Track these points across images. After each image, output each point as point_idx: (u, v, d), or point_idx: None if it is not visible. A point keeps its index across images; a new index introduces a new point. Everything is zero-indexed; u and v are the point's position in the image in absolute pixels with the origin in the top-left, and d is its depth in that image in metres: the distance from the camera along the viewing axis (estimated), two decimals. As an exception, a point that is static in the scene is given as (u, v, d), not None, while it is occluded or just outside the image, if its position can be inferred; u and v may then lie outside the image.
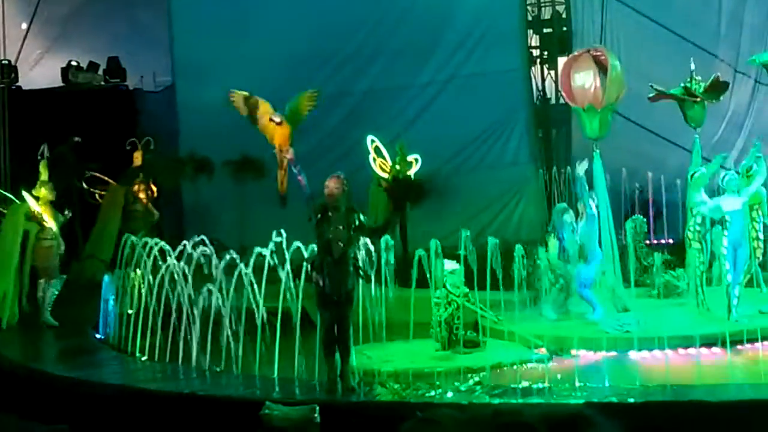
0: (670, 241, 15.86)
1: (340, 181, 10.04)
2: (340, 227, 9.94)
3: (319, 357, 10.66)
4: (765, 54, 13.66)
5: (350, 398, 10.01)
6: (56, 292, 14.06)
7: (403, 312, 12.06)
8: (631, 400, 9.28)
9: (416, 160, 17.43)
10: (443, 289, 11.76)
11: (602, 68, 12.35)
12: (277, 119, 13.26)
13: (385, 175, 17.16)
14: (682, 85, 13.97)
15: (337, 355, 10.09)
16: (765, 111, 19.42)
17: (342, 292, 10.01)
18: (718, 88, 14.04)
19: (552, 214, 14.26)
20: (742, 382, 10.77)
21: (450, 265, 11.91)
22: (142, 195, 16.97)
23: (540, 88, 21.42)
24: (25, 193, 13.80)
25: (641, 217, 15.72)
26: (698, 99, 13.78)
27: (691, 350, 11.71)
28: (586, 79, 12.33)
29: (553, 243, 13.60)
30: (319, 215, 9.90)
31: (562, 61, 17.58)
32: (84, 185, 17.07)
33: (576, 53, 13.06)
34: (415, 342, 11.83)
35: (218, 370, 11.23)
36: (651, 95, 14.31)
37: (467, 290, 11.90)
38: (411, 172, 17.32)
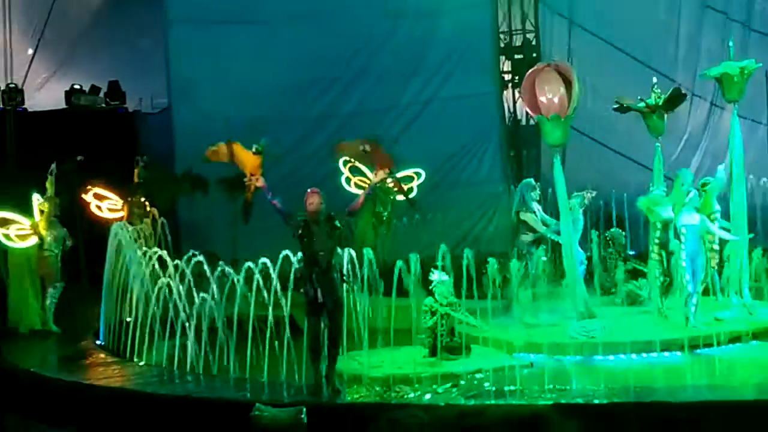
0: (631, 252, 15.91)
1: (320, 196, 10.08)
2: (323, 238, 9.98)
3: (305, 361, 10.67)
4: (716, 68, 13.70)
5: (335, 400, 10.01)
6: (54, 300, 14.07)
7: (385, 319, 12.02)
8: (597, 401, 9.31)
9: (417, 174, 17.32)
10: (430, 297, 11.74)
11: (566, 80, 12.44)
12: (258, 147, 13.23)
13: (361, 192, 17.01)
14: (640, 98, 14.10)
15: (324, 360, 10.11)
16: (720, 131, 19.50)
17: (333, 299, 10.04)
18: (677, 99, 14.14)
19: (519, 189, 14.18)
20: (699, 383, 10.83)
21: (438, 275, 11.88)
22: (128, 211, 16.84)
23: (511, 110, 21.48)
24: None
25: (619, 230, 15.75)
26: (655, 110, 13.91)
27: (653, 354, 11.76)
28: (553, 91, 12.39)
29: (530, 216, 13.70)
30: (300, 230, 9.95)
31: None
32: (92, 200, 16.91)
33: (538, 67, 13.08)
34: (405, 349, 11.70)
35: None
36: (615, 107, 14.45)
37: (455, 300, 11.88)
38: (414, 185, 17.19)
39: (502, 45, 21.18)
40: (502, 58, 21.27)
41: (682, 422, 8.98)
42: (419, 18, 20.14)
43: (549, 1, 20.83)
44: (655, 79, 14.45)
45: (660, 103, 13.88)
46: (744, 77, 13.25)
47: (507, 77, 21.51)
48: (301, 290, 10.08)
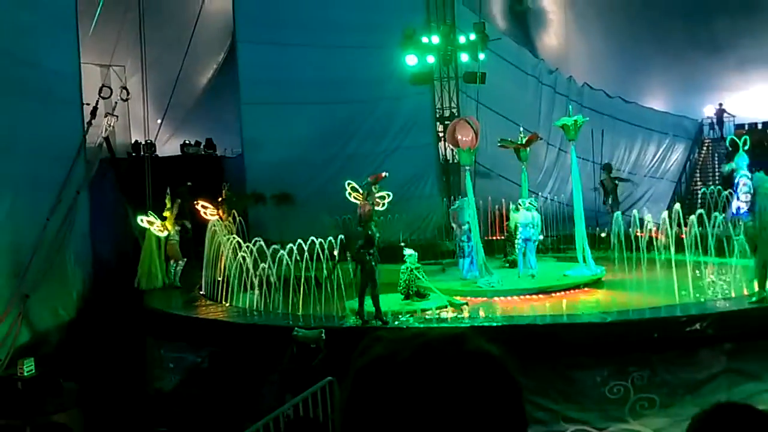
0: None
1: (370, 205, 10.62)
2: (372, 229, 10.13)
3: (324, 302, 10.60)
4: (560, 120, 13.74)
5: (342, 325, 9.95)
6: (179, 269, 13.94)
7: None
8: (495, 324, 9.34)
9: (387, 194, 17.17)
10: (405, 264, 11.71)
11: (473, 128, 12.54)
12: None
13: (359, 202, 16.90)
14: (510, 140, 14.21)
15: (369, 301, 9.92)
16: (565, 165, 19.55)
17: (378, 266, 10.03)
18: (532, 140, 14.29)
19: (455, 204, 13.84)
20: (554, 313, 10.88)
21: (409, 251, 11.90)
22: (222, 214, 16.69)
23: (444, 153, 21.53)
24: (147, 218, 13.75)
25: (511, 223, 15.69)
26: (521, 147, 14.02)
27: (527, 296, 11.80)
28: (466, 134, 12.48)
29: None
30: (367, 233, 9.92)
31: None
32: (200, 208, 16.67)
33: (456, 120, 13.27)
34: (390, 295, 11.66)
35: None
36: (499, 144, 14.63)
37: (419, 265, 11.86)
38: (385, 202, 16.88)
39: (437, 115, 21.22)
40: (438, 123, 21.31)
41: (544, 336, 9.03)
42: (390, 100, 20.17)
43: (465, 89, 21.00)
44: (521, 129, 14.65)
45: (522, 142, 14.08)
46: (578, 126, 13.21)
47: (441, 134, 21.53)
48: (367, 258, 9.77)
